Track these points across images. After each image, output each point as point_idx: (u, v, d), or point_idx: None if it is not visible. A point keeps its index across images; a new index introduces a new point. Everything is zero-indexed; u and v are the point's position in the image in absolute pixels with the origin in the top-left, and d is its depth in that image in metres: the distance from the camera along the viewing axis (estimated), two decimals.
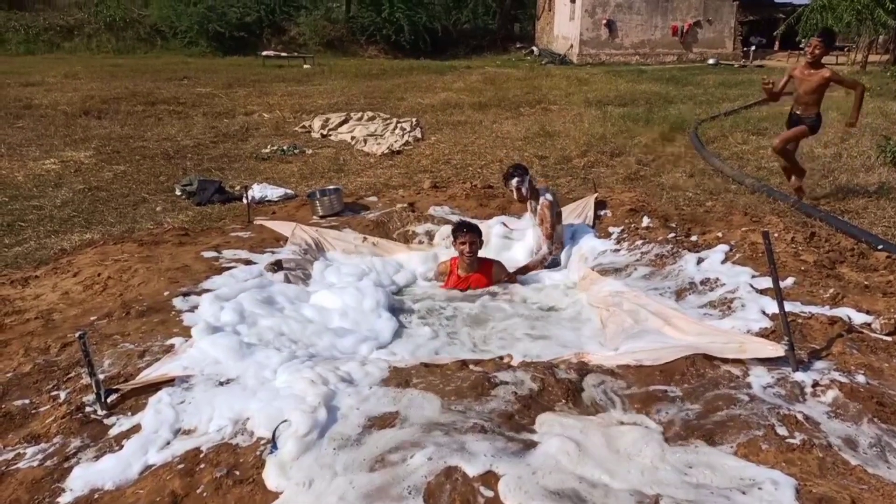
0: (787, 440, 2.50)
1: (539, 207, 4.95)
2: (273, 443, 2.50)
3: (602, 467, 2.39)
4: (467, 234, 4.59)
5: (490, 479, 2.30)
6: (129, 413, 2.83)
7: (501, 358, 3.35)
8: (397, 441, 2.52)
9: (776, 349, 2.99)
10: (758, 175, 7.38)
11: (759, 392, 2.84)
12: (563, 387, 2.94)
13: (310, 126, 10.98)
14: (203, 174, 7.88)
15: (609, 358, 3.27)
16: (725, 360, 3.07)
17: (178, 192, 6.98)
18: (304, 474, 2.30)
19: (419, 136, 10.20)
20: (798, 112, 6.10)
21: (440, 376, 3.07)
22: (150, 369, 3.06)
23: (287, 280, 4.38)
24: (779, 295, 2.98)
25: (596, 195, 5.94)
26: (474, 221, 5.75)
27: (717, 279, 4.05)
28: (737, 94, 14.40)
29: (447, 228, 5.27)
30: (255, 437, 2.58)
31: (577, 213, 5.66)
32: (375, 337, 3.76)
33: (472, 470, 2.33)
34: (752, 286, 3.85)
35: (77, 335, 2.78)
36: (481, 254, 4.72)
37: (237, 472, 2.40)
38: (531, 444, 2.53)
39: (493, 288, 4.57)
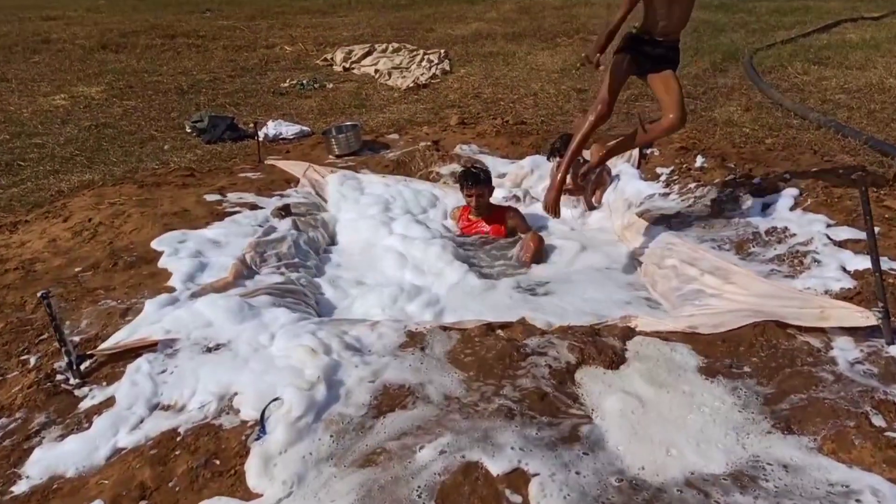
0: (886, 433, 2.03)
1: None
2: (261, 425, 2.12)
3: (653, 467, 1.96)
4: (473, 186, 4.13)
5: (518, 479, 1.89)
6: (104, 383, 2.48)
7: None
8: (408, 426, 2.12)
9: (867, 317, 2.47)
10: (822, 108, 6.62)
11: (845, 370, 2.35)
12: (606, 358, 2.49)
13: (332, 59, 10.36)
14: (216, 110, 7.42)
15: (659, 323, 2.80)
16: (802, 329, 2.57)
17: (188, 129, 6.55)
18: (291, 471, 1.92)
19: (447, 68, 9.51)
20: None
21: (461, 343, 2.64)
22: (126, 331, 2.68)
23: (295, 226, 3.95)
24: (874, 252, 2.45)
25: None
26: (493, 159, 5.24)
27: (786, 229, 3.49)
28: (792, 22, 13.19)
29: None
30: (242, 418, 2.20)
31: (620, 152, 5.06)
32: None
33: (496, 467, 1.92)
34: (828, 237, 3.29)
35: (40, 295, 2.40)
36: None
37: (217, 462, 2.03)
38: (569, 433, 2.10)
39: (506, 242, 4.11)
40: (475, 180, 4.14)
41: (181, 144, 6.22)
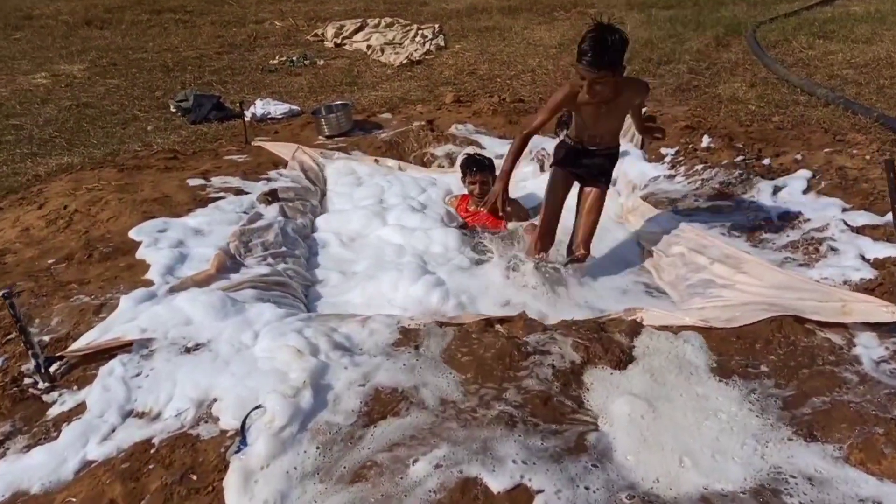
0: None
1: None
2: (242, 436, 1.95)
3: (667, 479, 1.81)
4: (478, 172, 3.94)
5: (521, 496, 1.74)
6: (75, 387, 2.31)
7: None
8: (400, 436, 1.96)
9: (892, 312, 2.32)
10: (830, 84, 6.41)
11: (871, 370, 2.20)
12: (613, 357, 2.33)
13: (322, 34, 10.06)
14: (203, 88, 7.17)
15: (668, 316, 2.63)
16: (822, 325, 2.41)
17: (172, 109, 6.32)
18: (273, 488, 1.75)
19: (442, 44, 9.24)
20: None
21: (459, 340, 2.48)
22: (99, 329, 2.50)
23: (283, 213, 3.76)
24: None
25: (644, 110, 5.11)
26: (490, 139, 5.03)
27: (800, 213, 3.33)
28: None
29: (471, 150, 4.55)
30: (221, 427, 2.04)
31: (622, 132, 4.86)
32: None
33: (496, 483, 1.76)
34: (845, 223, 3.13)
35: (3, 294, 2.22)
36: None
37: (193, 477, 1.87)
38: (576, 442, 1.94)
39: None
40: (480, 166, 3.94)
41: (165, 125, 5.99)
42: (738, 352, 2.35)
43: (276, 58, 8.76)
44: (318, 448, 1.91)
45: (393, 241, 3.51)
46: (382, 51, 8.90)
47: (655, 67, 7.36)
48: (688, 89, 6.51)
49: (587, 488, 1.76)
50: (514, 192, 4.14)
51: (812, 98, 5.98)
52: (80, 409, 2.20)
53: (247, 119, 5.55)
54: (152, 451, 1.97)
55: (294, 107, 6.18)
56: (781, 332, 2.41)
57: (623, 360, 2.32)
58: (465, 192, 4.12)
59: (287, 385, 2.11)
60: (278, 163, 4.59)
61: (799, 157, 3.87)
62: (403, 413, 2.07)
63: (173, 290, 2.79)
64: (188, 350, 2.41)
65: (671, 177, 4.06)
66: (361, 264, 3.46)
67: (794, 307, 2.50)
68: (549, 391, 2.16)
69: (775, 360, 2.29)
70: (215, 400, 2.14)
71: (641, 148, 4.64)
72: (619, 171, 4.35)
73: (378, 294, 3.11)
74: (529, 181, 4.47)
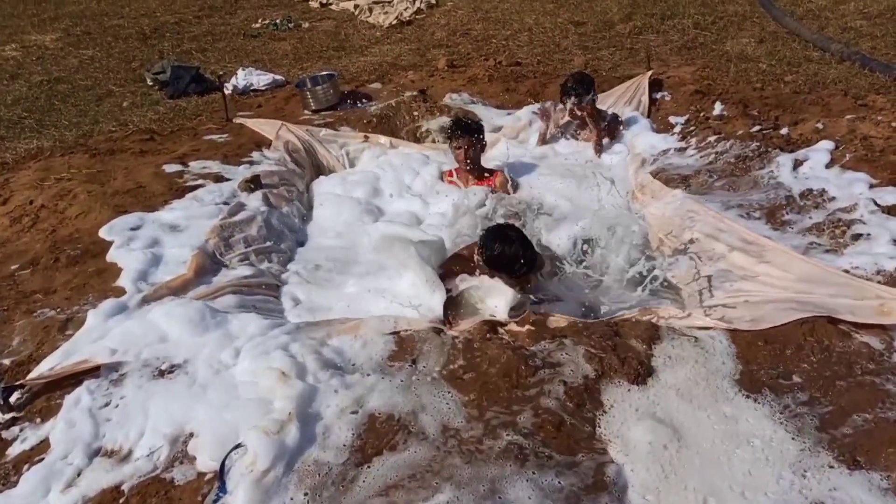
0: None
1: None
2: (221, 481, 1.75)
3: None
4: (463, 136, 3.66)
5: None
6: (38, 419, 2.10)
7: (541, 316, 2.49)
8: (398, 476, 1.76)
9: None
10: (843, 38, 6.07)
11: None
12: (630, 369, 2.12)
13: None
14: (182, 57, 6.80)
15: (688, 318, 2.41)
16: (859, 326, 2.20)
17: (149, 82, 5.96)
18: None
19: (433, 1, 8.79)
20: None
21: (460, 351, 2.26)
22: (62, 352, 2.28)
23: (267, 201, 3.50)
24: None
25: (650, 72, 4.81)
26: (487, 109, 4.73)
27: (824, 191, 3.08)
28: None
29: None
30: (198, 468, 1.83)
31: (627, 97, 4.58)
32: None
33: None
34: (874, 202, 2.89)
35: None
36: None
37: None
38: (593, 478, 1.74)
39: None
40: (466, 130, 3.68)
41: (141, 100, 5.65)
42: (766, 359, 2.14)
43: (259, 21, 8.34)
44: (306, 494, 1.71)
45: (385, 233, 3.26)
46: (371, 10, 8.46)
47: (659, 23, 6.99)
48: (694, 47, 6.17)
49: None
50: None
51: (826, 54, 5.66)
52: (43, 446, 1.99)
53: (228, 92, 5.23)
54: (121, 500, 1.77)
55: (278, 77, 5.83)
56: (813, 335, 2.19)
57: (641, 372, 2.11)
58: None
59: (271, 418, 1.90)
60: (261, 143, 4.30)
61: (819, 125, 3.59)
62: (401, 446, 1.86)
63: (147, 300, 2.56)
64: (162, 373, 2.19)
65: (682, 150, 3.78)
66: (352, 257, 3.23)
67: (826, 306, 2.28)
68: (562, 413, 1.96)
69: (808, 369, 2.08)
70: (191, 435, 1.94)
71: (648, 116, 4.35)
72: (625, 142, 4.11)
73: (370, 288, 2.88)
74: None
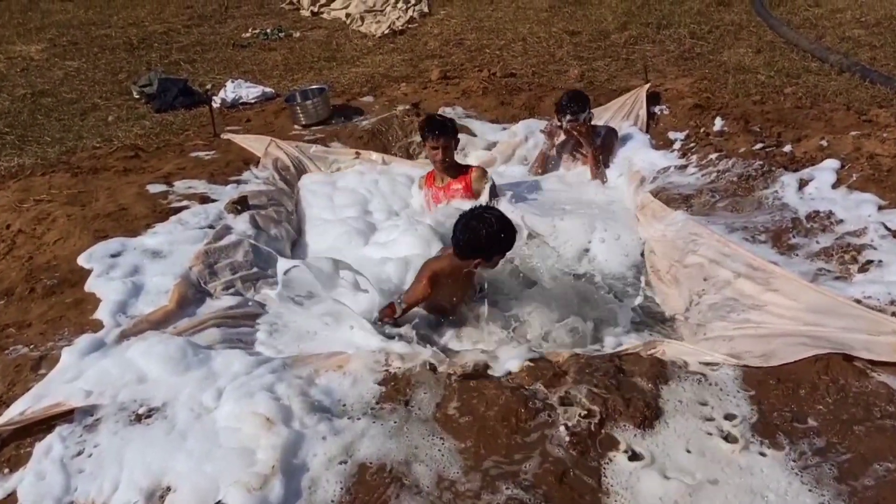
0: None
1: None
2: None
3: None
4: (439, 136, 3.52)
5: None
6: (7, 469, 1.97)
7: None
8: None
9: None
10: (841, 48, 6.00)
11: None
12: (636, 413, 2.00)
13: (298, 2, 9.47)
14: (170, 68, 6.69)
15: (694, 352, 2.30)
16: (875, 364, 2.09)
17: (135, 95, 5.84)
18: None
19: (426, 9, 8.70)
20: None
21: (455, 392, 2.14)
22: (34, 395, 2.15)
23: (254, 223, 3.38)
24: None
25: (648, 85, 4.72)
26: (482, 127, 4.63)
27: (831, 213, 2.98)
28: None
29: (462, 140, 4.13)
30: None
31: (625, 111, 4.48)
32: None
33: None
34: (885, 226, 2.79)
35: None
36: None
37: None
38: None
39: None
40: (442, 129, 3.53)
41: (127, 114, 5.52)
42: (779, 400, 2.03)
43: (249, 30, 8.23)
44: None
45: (375, 256, 3.15)
46: (363, 19, 8.36)
47: (655, 32, 6.91)
48: (691, 57, 6.09)
49: None
50: None
51: (825, 65, 5.59)
52: (10, 500, 1.86)
53: (216, 106, 5.12)
54: None
55: (268, 89, 5.72)
56: (828, 373, 2.08)
57: (648, 416, 2.00)
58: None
59: (253, 472, 1.78)
60: (250, 160, 4.18)
61: (824, 142, 3.50)
62: (393, 501, 1.74)
63: (126, 335, 2.43)
64: (139, 418, 2.07)
65: (683, 167, 3.69)
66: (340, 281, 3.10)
67: (841, 341, 2.17)
68: (565, 463, 1.84)
69: (824, 412, 1.97)
70: (169, 489, 1.81)
71: (646, 131, 4.25)
72: (623, 158, 4.01)
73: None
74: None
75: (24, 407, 2.12)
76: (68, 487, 1.87)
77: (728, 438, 1.90)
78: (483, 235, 2.55)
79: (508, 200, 3.52)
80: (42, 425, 2.07)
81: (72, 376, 2.22)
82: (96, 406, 2.11)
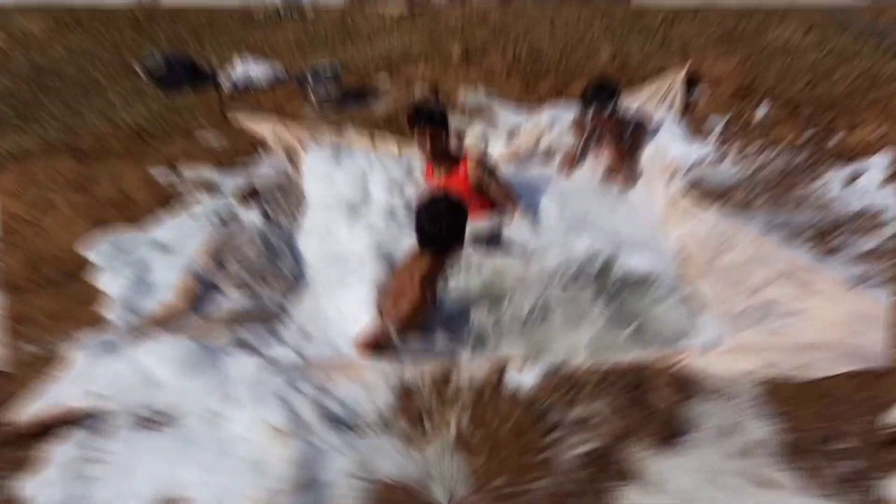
0: None
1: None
2: None
3: None
4: (427, 124, 3.39)
5: None
6: (17, 474, 2.03)
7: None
8: None
9: None
10: None
11: None
12: (657, 428, 2.01)
13: None
14: (176, 47, 6.73)
15: (722, 360, 2.29)
16: None
17: (140, 74, 5.90)
18: None
19: None
20: None
21: (468, 406, 2.16)
22: (44, 396, 2.21)
23: (264, 214, 3.43)
24: None
25: (686, 67, 4.64)
26: (504, 113, 4.59)
27: (880, 214, 2.93)
28: None
29: (480, 129, 4.14)
30: None
31: (659, 96, 4.42)
32: None
33: None
34: None
35: None
36: None
37: None
38: None
39: None
40: (430, 118, 3.41)
41: (132, 94, 5.60)
42: (812, 419, 2.02)
43: (262, 7, 8.25)
44: None
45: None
46: None
47: (693, 11, 6.80)
48: (734, 37, 5.99)
49: None
50: None
51: (881, 44, 5.47)
52: None
53: (224, 88, 5.16)
54: None
55: (279, 69, 5.74)
56: (865, 390, 2.07)
57: (671, 431, 2.00)
58: None
59: (265, 488, 1.82)
60: (259, 143, 4.23)
61: (880, 132, 3.43)
62: None
63: (133, 335, 2.49)
64: (151, 424, 2.10)
65: (720, 159, 3.64)
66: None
67: (879, 356, 2.15)
68: (580, 484, 1.86)
69: (864, 435, 1.96)
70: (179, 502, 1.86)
71: (682, 119, 4.19)
72: (653, 149, 3.95)
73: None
74: None
75: (35, 410, 2.18)
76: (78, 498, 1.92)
77: (760, 472, 1.90)
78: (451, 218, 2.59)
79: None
80: (51, 429, 2.13)
81: (78, 378, 2.28)
82: (104, 411, 2.16)
